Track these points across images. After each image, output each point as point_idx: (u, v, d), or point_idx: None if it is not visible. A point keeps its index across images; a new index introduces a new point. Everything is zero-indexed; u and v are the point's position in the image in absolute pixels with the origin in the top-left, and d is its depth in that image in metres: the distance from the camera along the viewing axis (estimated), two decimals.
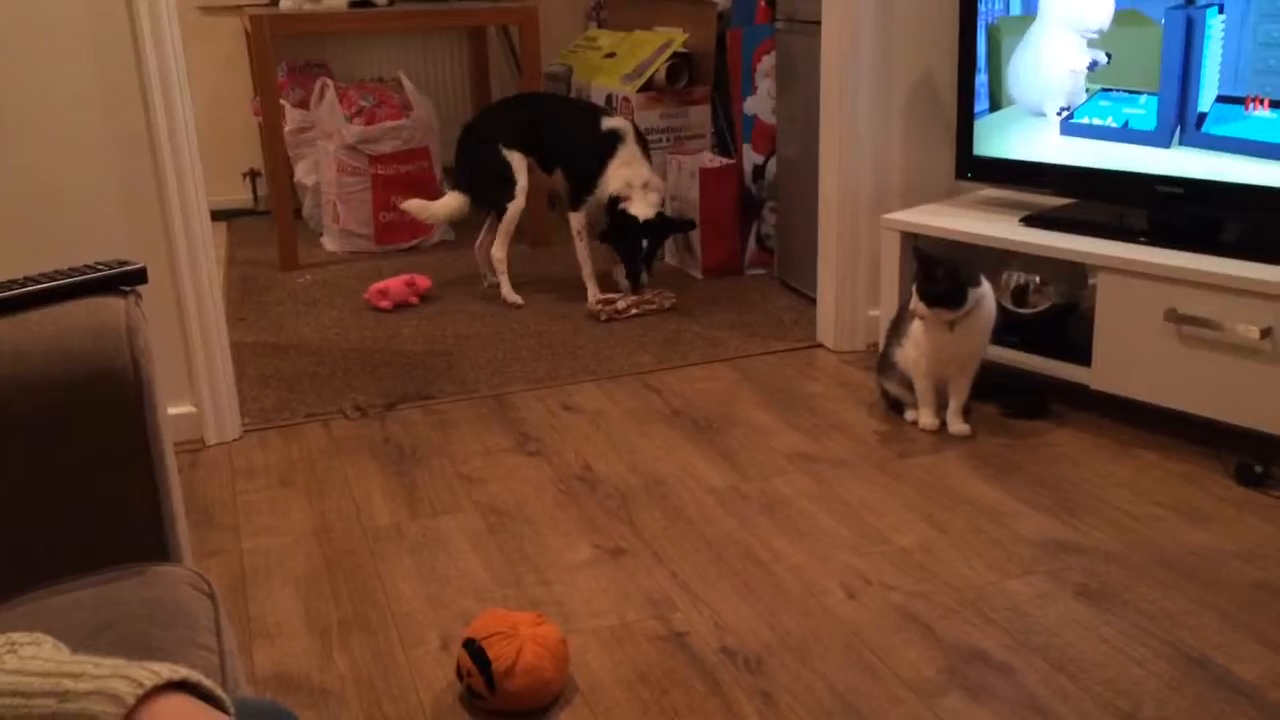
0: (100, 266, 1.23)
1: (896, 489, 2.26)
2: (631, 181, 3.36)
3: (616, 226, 3.38)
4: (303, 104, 4.36)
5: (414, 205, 3.60)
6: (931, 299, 2.35)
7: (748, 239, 3.78)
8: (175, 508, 1.23)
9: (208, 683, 0.65)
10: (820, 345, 3.10)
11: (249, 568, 2.05)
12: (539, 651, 1.60)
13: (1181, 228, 2.41)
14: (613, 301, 3.37)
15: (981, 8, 2.68)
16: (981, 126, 2.74)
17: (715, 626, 1.82)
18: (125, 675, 0.62)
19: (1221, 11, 2.26)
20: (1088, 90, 2.53)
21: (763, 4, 3.63)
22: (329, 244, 4.24)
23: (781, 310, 3.40)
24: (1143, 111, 2.44)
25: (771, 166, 3.67)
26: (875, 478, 2.32)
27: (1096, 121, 2.53)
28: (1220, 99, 2.30)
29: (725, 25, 3.82)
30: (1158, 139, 2.42)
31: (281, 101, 4.23)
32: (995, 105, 2.71)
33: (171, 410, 2.51)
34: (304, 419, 2.70)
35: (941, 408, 2.53)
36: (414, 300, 3.53)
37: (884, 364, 2.60)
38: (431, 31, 4.91)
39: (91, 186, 2.37)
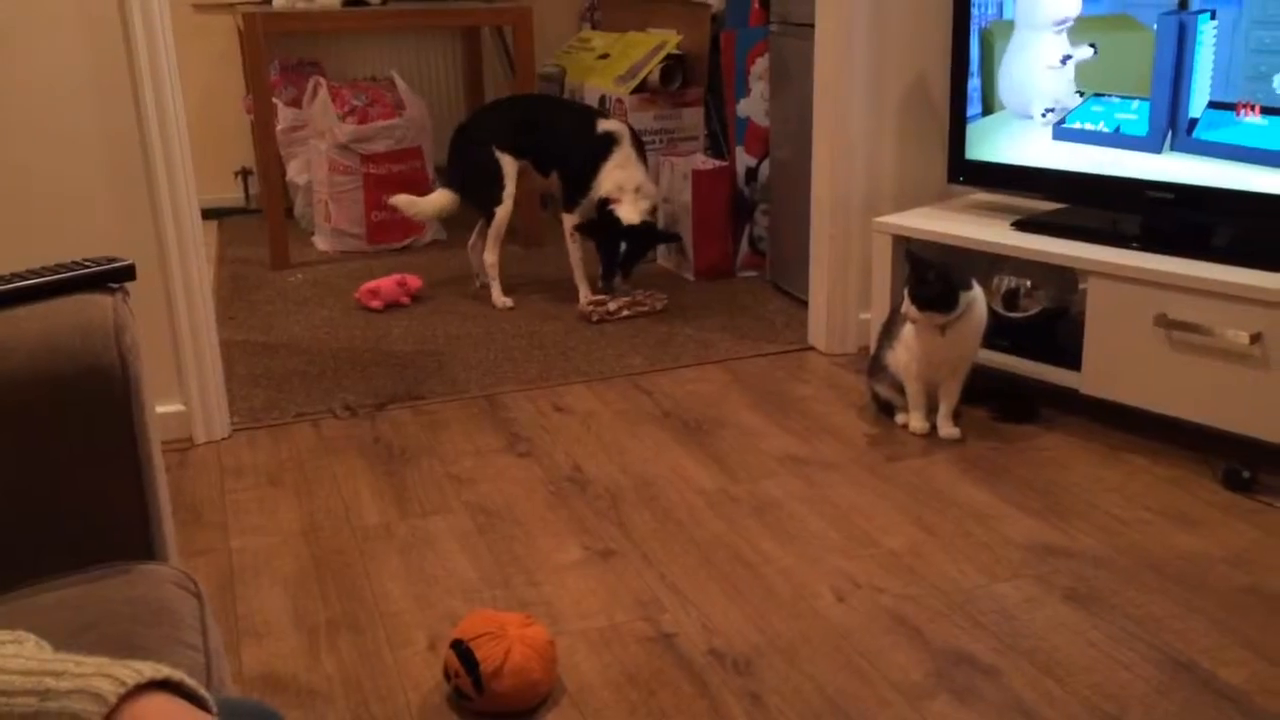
0: (89, 263, 1.23)
1: (886, 492, 2.27)
2: (624, 185, 3.35)
3: (600, 225, 3.37)
4: (295, 102, 4.35)
5: (402, 200, 3.60)
6: (923, 302, 2.35)
7: (740, 241, 3.78)
8: (162, 506, 1.22)
9: (191, 682, 0.65)
10: (811, 348, 3.11)
11: (237, 567, 2.04)
12: (527, 653, 1.60)
13: (1172, 233, 2.42)
14: (604, 303, 3.37)
15: (974, 12, 2.68)
16: (974, 131, 2.75)
17: (704, 628, 1.82)
18: (107, 674, 0.62)
19: (1213, 18, 2.26)
20: (1081, 94, 2.53)
21: (756, 6, 3.64)
22: (320, 243, 4.23)
23: (773, 313, 3.40)
24: (1134, 117, 2.44)
25: (764, 169, 3.67)
26: (865, 480, 2.32)
27: (1088, 126, 2.53)
28: (1212, 105, 2.31)
29: (719, 27, 3.82)
30: (1149, 144, 2.43)
31: (274, 100, 4.23)
32: (988, 109, 2.72)
33: (160, 408, 2.50)
34: (293, 418, 2.69)
35: (932, 411, 2.53)
36: (405, 300, 3.52)
37: (875, 367, 2.60)
38: (425, 31, 4.90)
39: (81, 183, 2.37)
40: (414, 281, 3.56)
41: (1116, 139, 2.48)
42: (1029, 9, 2.58)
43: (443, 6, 4.42)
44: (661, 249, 3.90)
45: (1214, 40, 2.27)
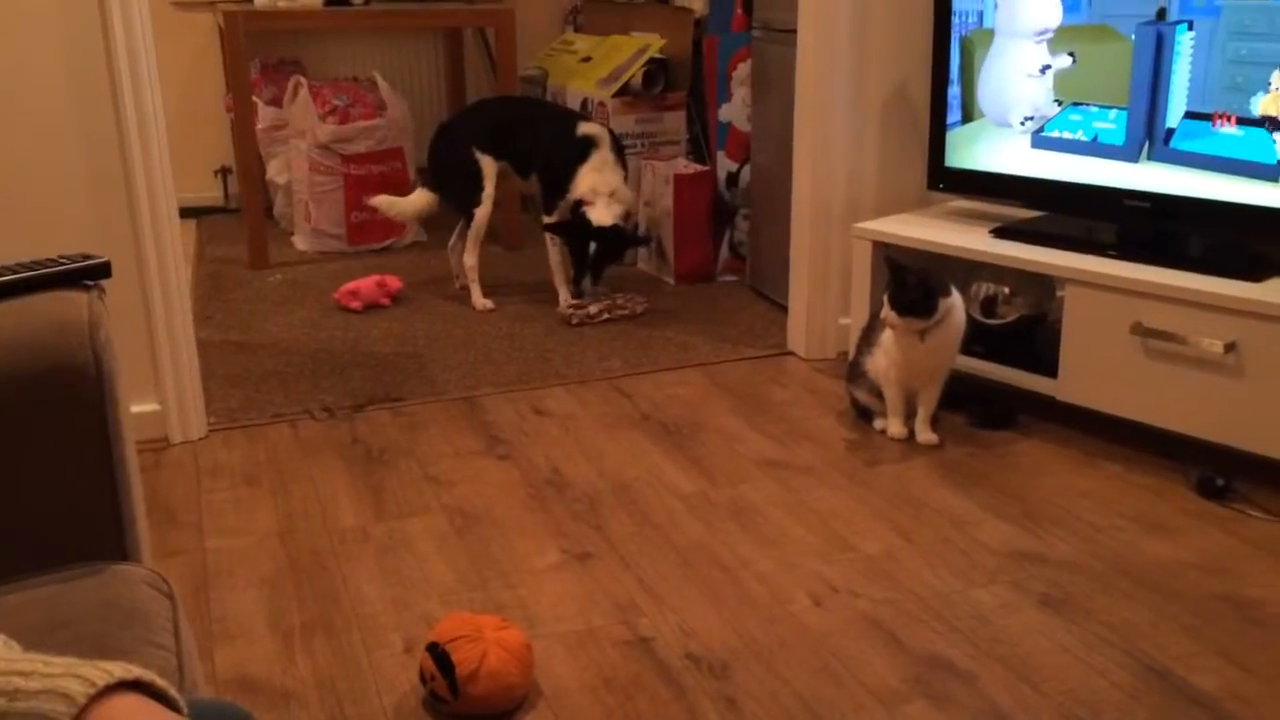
0: (64, 260, 1.22)
1: (864, 497, 2.27)
2: (598, 188, 3.34)
3: (571, 226, 3.36)
4: (276, 102, 4.33)
5: (382, 201, 3.59)
6: (903, 308, 2.36)
7: (720, 246, 3.79)
8: (136, 506, 1.21)
9: (161, 682, 0.64)
10: (791, 353, 3.11)
11: (212, 568, 2.03)
12: (503, 656, 1.59)
13: (1149, 242, 2.44)
14: (584, 306, 3.36)
15: (955, 20, 2.70)
16: (954, 138, 2.76)
17: (681, 632, 1.81)
18: (77, 674, 0.61)
19: (1191, 29, 2.29)
20: (1059, 103, 2.55)
21: (739, 12, 3.65)
22: (300, 243, 4.21)
23: (753, 317, 3.41)
24: (1112, 126, 2.46)
25: (745, 174, 3.68)
26: (843, 485, 2.32)
27: (1066, 135, 2.55)
28: (1188, 115, 2.33)
29: (702, 32, 3.83)
30: (1126, 154, 2.45)
31: (254, 99, 4.21)
32: (968, 117, 2.73)
33: (135, 408, 2.48)
34: (271, 419, 2.68)
35: (910, 417, 2.54)
36: (385, 301, 3.51)
37: (854, 372, 2.61)
38: (407, 32, 4.89)
39: (58, 179, 2.35)
40: (394, 283, 3.55)
41: (1094, 148, 2.50)
42: (1009, 18, 2.60)
43: (425, 7, 4.41)
44: (642, 252, 3.90)
45: (1191, 51, 2.29)
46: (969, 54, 2.69)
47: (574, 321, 3.33)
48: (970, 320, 2.55)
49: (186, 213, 3.26)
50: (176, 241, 2.49)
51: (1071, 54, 2.48)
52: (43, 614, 1.02)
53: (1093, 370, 2.40)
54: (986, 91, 2.68)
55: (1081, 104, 2.51)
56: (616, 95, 3.91)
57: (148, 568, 1.15)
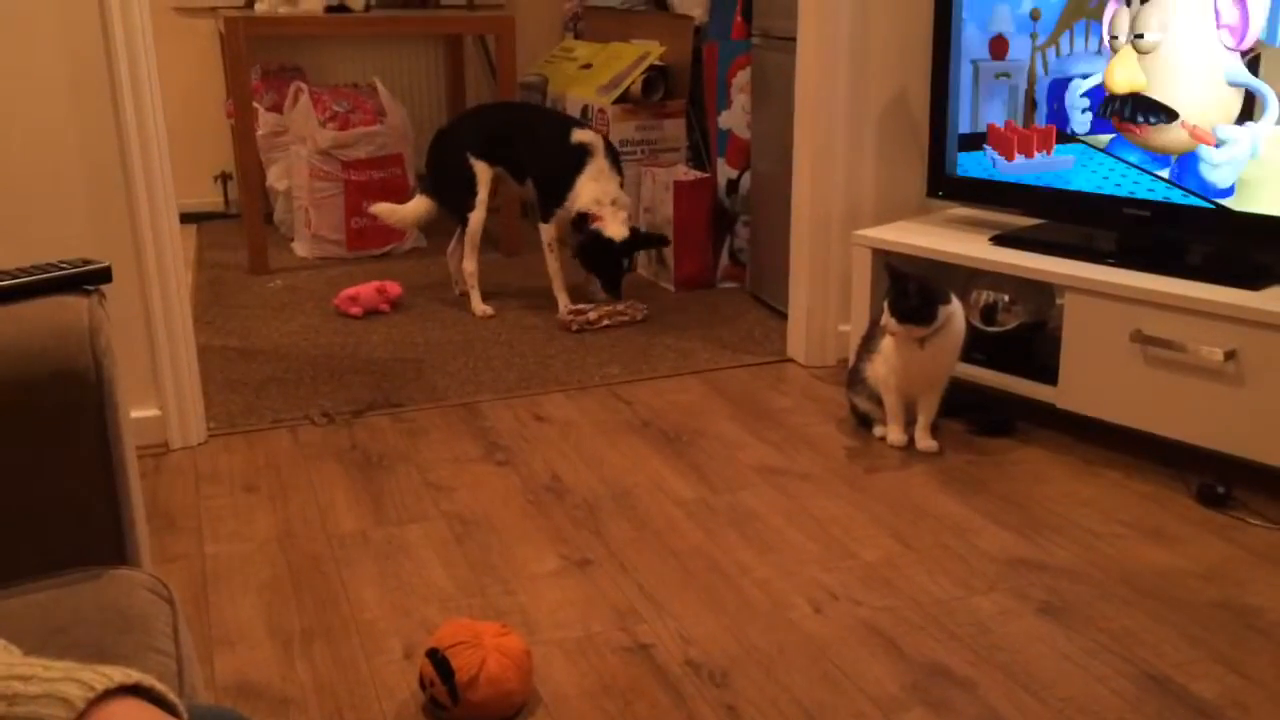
0: (64, 265, 1.22)
1: (864, 504, 2.27)
2: (600, 198, 3.33)
3: (592, 248, 3.35)
4: (276, 108, 4.34)
5: (382, 209, 3.60)
6: (903, 315, 2.36)
7: (720, 253, 3.79)
8: (135, 511, 1.21)
9: (161, 687, 0.64)
10: (791, 360, 3.11)
11: (211, 573, 2.02)
12: (503, 662, 1.59)
13: (1148, 250, 2.44)
14: (584, 312, 3.36)
15: (963, 47, 2.70)
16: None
17: (680, 639, 1.81)
18: (76, 678, 0.61)
19: None
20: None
21: (739, 19, 3.65)
22: (300, 249, 4.21)
23: (752, 324, 3.41)
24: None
25: (745, 181, 3.68)
26: (843, 493, 2.32)
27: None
28: None
29: (702, 39, 3.84)
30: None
31: (255, 105, 4.21)
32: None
33: (135, 413, 2.48)
34: (270, 425, 2.67)
35: (910, 424, 2.54)
36: (385, 307, 3.51)
37: (854, 379, 2.61)
38: (408, 38, 4.90)
39: (59, 184, 2.35)
40: (393, 288, 3.55)
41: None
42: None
43: (426, 14, 4.42)
44: (641, 259, 3.91)
45: None
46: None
47: (574, 328, 3.33)
48: (970, 328, 2.55)
49: (187, 218, 3.27)
50: (177, 247, 2.50)
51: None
52: (42, 619, 1.02)
53: (1092, 378, 2.40)
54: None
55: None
56: (616, 102, 3.91)
57: (147, 573, 1.15)
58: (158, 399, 2.53)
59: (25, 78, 2.28)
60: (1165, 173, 2.38)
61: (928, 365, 2.45)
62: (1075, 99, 2.45)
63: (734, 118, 3.68)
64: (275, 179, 4.39)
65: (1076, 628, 1.83)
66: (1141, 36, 2.23)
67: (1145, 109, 2.36)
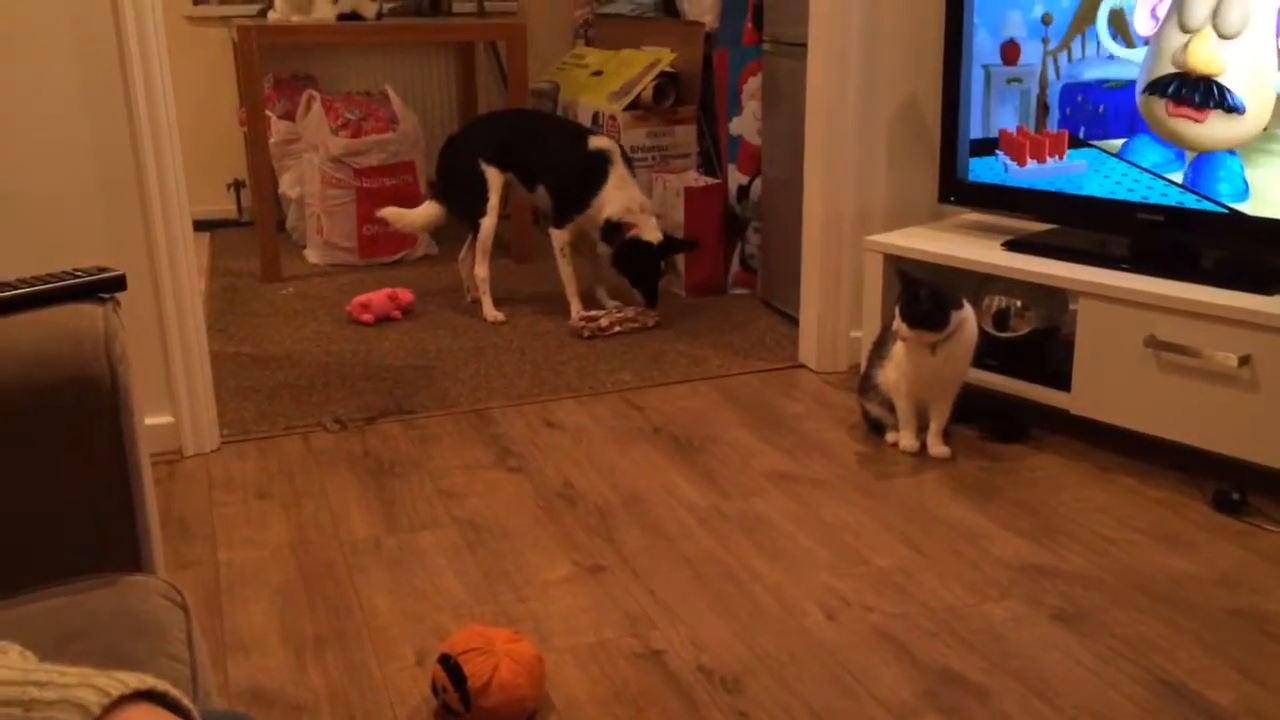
0: (79, 273, 1.22)
1: (876, 510, 2.27)
2: (630, 206, 3.36)
3: (631, 254, 3.37)
4: (289, 115, 4.36)
5: (391, 213, 3.61)
6: (914, 321, 2.36)
7: (731, 259, 3.79)
8: (150, 518, 1.22)
9: (175, 693, 0.64)
10: (802, 366, 3.11)
11: (224, 580, 2.03)
12: (515, 668, 1.59)
13: (1162, 255, 2.43)
14: (596, 319, 3.37)
15: (976, 52, 2.70)
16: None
17: (693, 645, 1.81)
18: (92, 684, 0.61)
19: None
20: None
21: (750, 26, 3.65)
22: (312, 256, 4.23)
23: (764, 330, 3.41)
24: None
25: (756, 187, 3.68)
26: (855, 499, 2.32)
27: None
28: None
29: (712, 46, 3.84)
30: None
31: (267, 113, 4.23)
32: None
33: (149, 420, 2.49)
34: (283, 431, 2.68)
35: (922, 430, 2.53)
36: (396, 314, 3.52)
37: (865, 385, 2.60)
38: (419, 46, 4.92)
39: (74, 193, 2.36)
40: (405, 295, 3.56)
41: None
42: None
43: (437, 22, 4.43)
44: None
45: None
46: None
47: (585, 334, 3.33)
48: (982, 333, 2.55)
49: (200, 226, 3.28)
50: (190, 255, 2.51)
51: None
52: (58, 625, 1.02)
53: (1106, 383, 2.39)
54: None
55: None
56: (627, 109, 3.92)
57: (162, 579, 1.15)
58: (171, 406, 2.54)
59: (40, 87, 2.30)
60: (1178, 177, 2.38)
61: (940, 371, 2.44)
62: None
63: (745, 124, 3.68)
64: (287, 186, 4.41)
65: (1091, 634, 1.83)
66: (1220, 20, 2.16)
67: (1217, 96, 2.30)
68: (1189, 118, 2.34)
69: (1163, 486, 2.35)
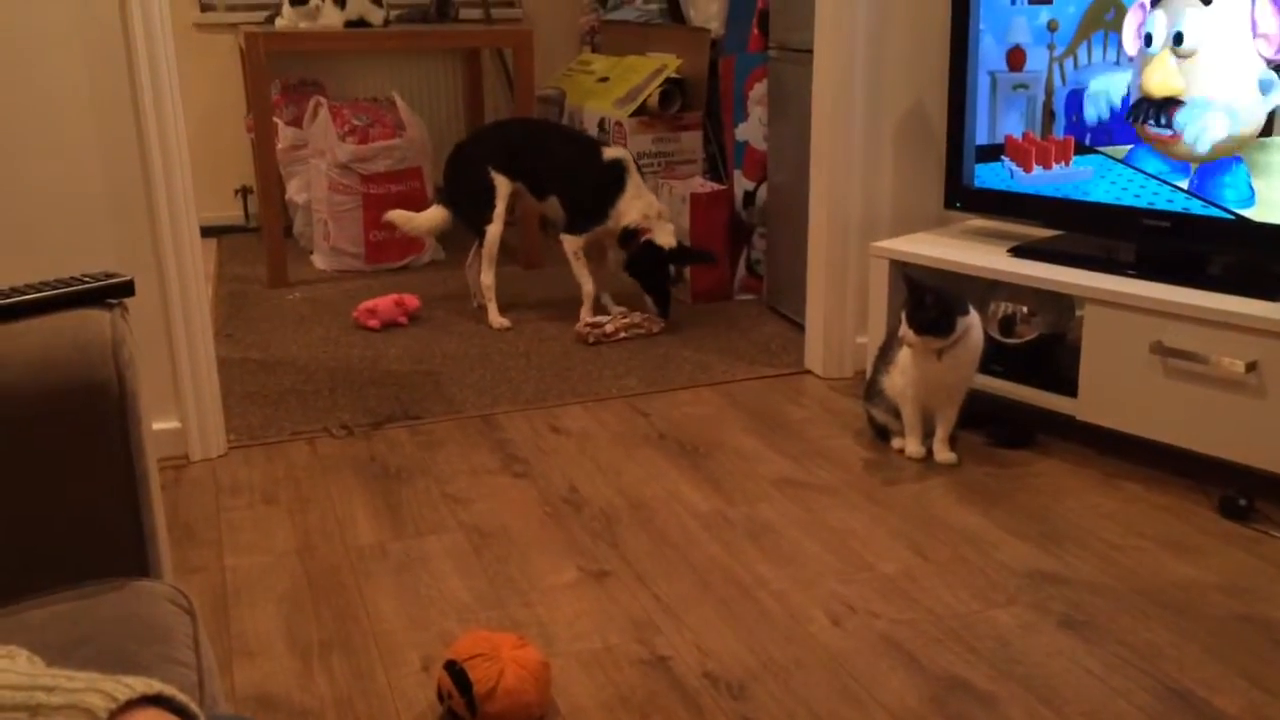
0: (87, 278, 1.23)
1: (882, 516, 2.26)
2: (648, 213, 3.39)
3: (643, 258, 3.39)
4: (296, 122, 4.37)
5: (398, 216, 3.62)
6: (920, 327, 2.36)
7: (737, 264, 3.79)
8: (156, 523, 1.22)
9: (182, 698, 0.65)
10: (808, 372, 3.11)
11: (231, 585, 2.03)
12: (521, 674, 1.59)
13: (1168, 261, 2.43)
14: (600, 324, 3.37)
15: (982, 58, 2.70)
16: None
17: (698, 651, 1.81)
18: (99, 689, 0.62)
19: None
20: None
21: (756, 32, 3.66)
22: (319, 262, 4.24)
23: (770, 336, 3.41)
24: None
25: (762, 193, 3.68)
26: (861, 505, 2.32)
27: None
28: None
29: (718, 52, 3.85)
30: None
31: (275, 119, 4.24)
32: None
33: (156, 425, 2.49)
34: (289, 437, 2.69)
35: (928, 436, 2.53)
36: (403, 320, 3.52)
37: (871, 391, 2.60)
38: (426, 53, 4.93)
39: (81, 199, 2.37)
40: (412, 301, 3.56)
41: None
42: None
43: (444, 28, 4.44)
44: None
45: None
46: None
47: (590, 340, 3.33)
48: (989, 339, 2.54)
49: (207, 232, 3.29)
50: (198, 260, 2.52)
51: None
52: (65, 630, 1.03)
53: (1112, 390, 2.39)
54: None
55: None
56: (633, 115, 3.92)
57: (169, 584, 1.15)
58: (178, 411, 2.55)
59: (49, 93, 2.31)
60: (1185, 183, 2.37)
61: (946, 377, 2.44)
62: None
63: (751, 130, 3.68)
64: (294, 192, 4.42)
65: (1097, 641, 1.82)
66: (1180, 41, 2.20)
67: (1169, 117, 2.35)
68: (1160, 140, 2.36)
69: (1169, 493, 2.34)
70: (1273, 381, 2.14)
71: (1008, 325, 2.68)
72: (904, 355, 2.46)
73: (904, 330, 2.39)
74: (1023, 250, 2.64)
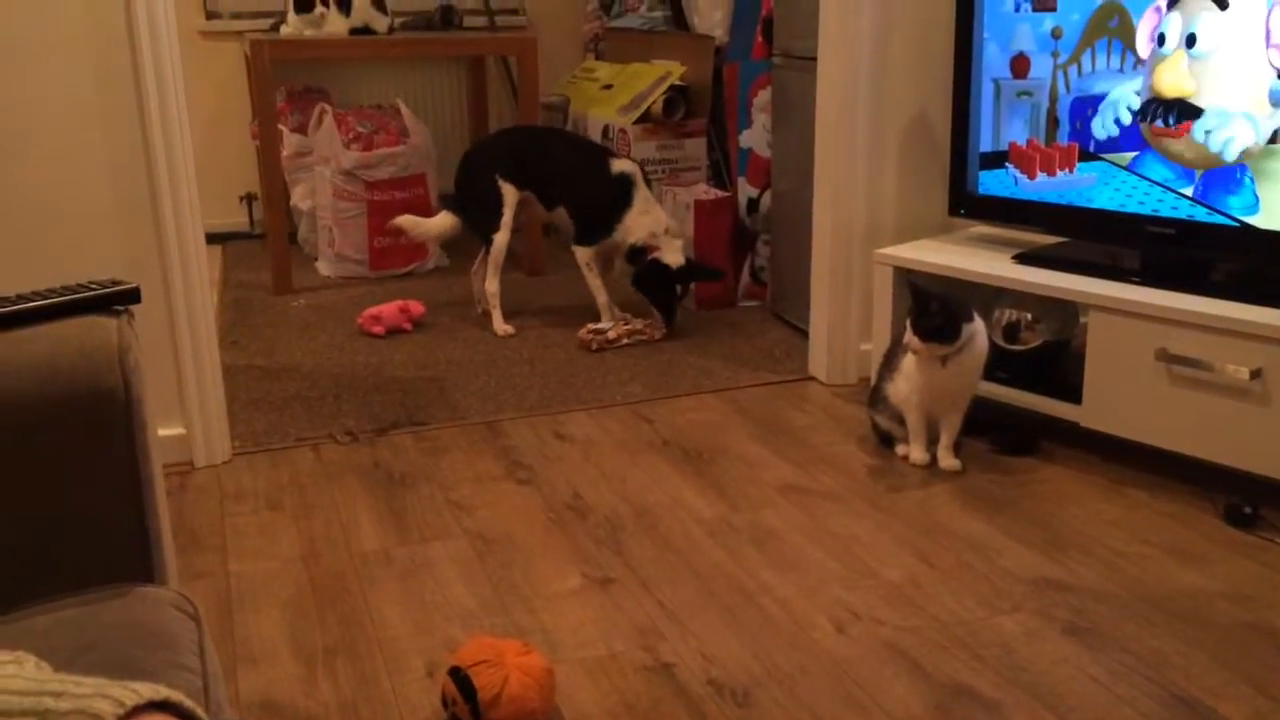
0: (93, 285, 1.23)
1: (886, 523, 2.26)
2: (655, 231, 3.40)
3: (650, 276, 3.41)
4: (301, 129, 4.38)
5: (407, 221, 3.63)
6: (925, 333, 2.36)
7: (741, 271, 3.79)
8: (162, 529, 1.22)
9: (189, 703, 0.65)
10: (812, 378, 3.11)
11: (235, 591, 2.04)
12: (525, 680, 1.59)
13: (1173, 268, 2.43)
14: (603, 331, 3.37)
15: (985, 64, 2.70)
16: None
17: (702, 658, 1.81)
18: (106, 694, 0.62)
19: None
20: None
21: (760, 39, 3.67)
22: (324, 268, 4.24)
23: (774, 342, 3.41)
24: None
25: (766, 200, 3.69)
26: (865, 511, 2.31)
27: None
28: None
29: (722, 59, 3.85)
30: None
31: (280, 126, 4.25)
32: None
33: (161, 432, 2.50)
34: (294, 443, 2.69)
35: (932, 443, 2.53)
36: (407, 326, 3.53)
37: (875, 398, 2.60)
38: (430, 60, 4.94)
39: (87, 205, 2.38)
40: (416, 308, 3.57)
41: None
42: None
43: (448, 36, 4.45)
44: None
45: None
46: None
47: (593, 347, 3.34)
48: (993, 346, 2.54)
49: (212, 238, 3.31)
50: (203, 267, 2.52)
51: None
52: (71, 636, 1.03)
53: (1117, 396, 2.39)
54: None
55: None
56: (637, 122, 3.93)
57: (174, 590, 1.16)
58: (183, 418, 2.55)
59: (55, 101, 2.31)
60: (1189, 190, 2.37)
61: (950, 384, 2.44)
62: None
63: (755, 137, 3.69)
64: (299, 199, 4.43)
65: (1102, 649, 1.82)
66: (1193, 44, 2.20)
67: (1190, 116, 2.33)
68: (1170, 138, 2.36)
69: (1174, 500, 2.34)
70: (1277, 389, 2.14)
71: (1012, 332, 2.68)
72: (908, 362, 2.46)
73: (909, 337, 2.39)
74: (1027, 257, 2.64)
